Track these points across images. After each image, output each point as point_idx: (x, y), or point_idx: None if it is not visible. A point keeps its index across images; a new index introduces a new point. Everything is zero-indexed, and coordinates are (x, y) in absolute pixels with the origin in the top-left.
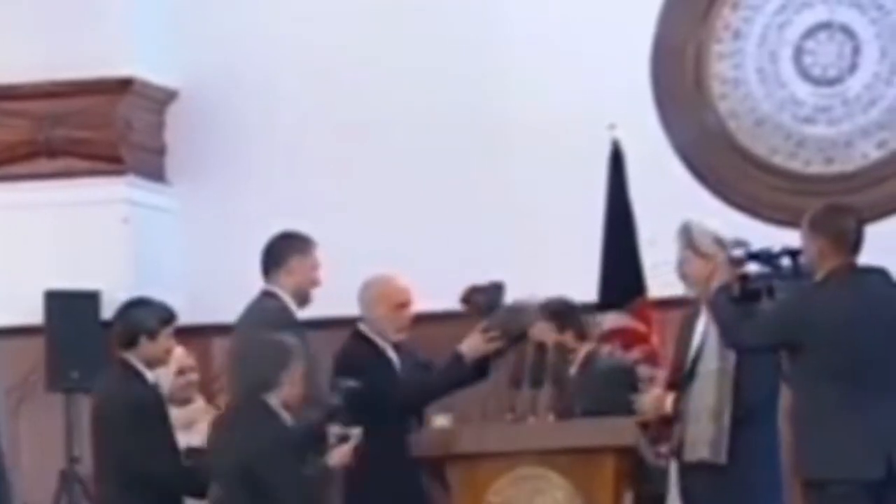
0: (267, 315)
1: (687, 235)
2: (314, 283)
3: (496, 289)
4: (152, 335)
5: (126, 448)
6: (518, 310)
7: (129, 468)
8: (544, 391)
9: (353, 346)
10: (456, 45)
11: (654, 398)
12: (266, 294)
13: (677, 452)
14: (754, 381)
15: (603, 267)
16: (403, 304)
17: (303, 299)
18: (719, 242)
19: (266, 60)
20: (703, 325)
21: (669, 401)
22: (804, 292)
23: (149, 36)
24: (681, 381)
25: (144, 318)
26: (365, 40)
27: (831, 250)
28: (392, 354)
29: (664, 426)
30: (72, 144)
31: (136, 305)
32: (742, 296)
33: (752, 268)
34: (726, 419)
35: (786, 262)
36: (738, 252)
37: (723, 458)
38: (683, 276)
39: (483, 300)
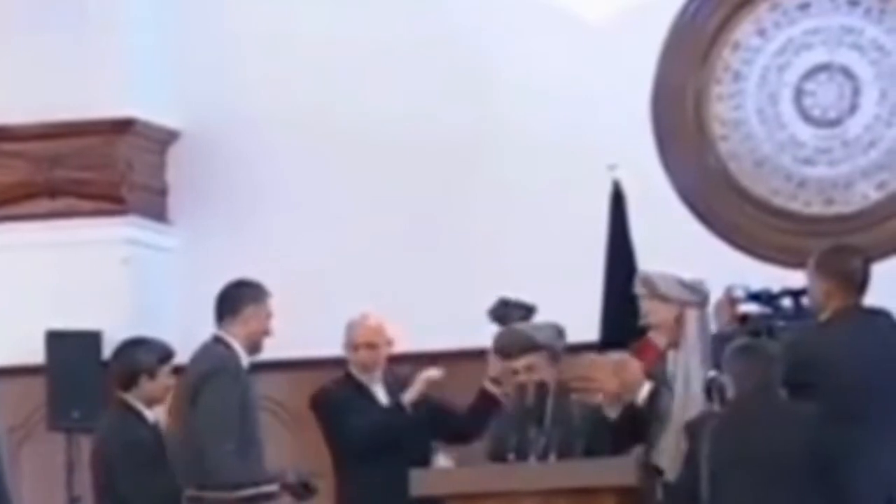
0: (216, 361)
1: (649, 285)
2: (266, 332)
3: (520, 308)
4: (152, 374)
5: (126, 488)
6: (514, 332)
7: None
8: (546, 431)
9: (334, 381)
10: (454, 87)
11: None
12: (217, 340)
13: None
14: None
15: (604, 306)
16: (361, 345)
17: (254, 348)
18: (683, 285)
19: (266, 101)
20: (674, 365)
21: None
22: (811, 332)
23: (149, 76)
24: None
25: (143, 357)
26: (364, 81)
27: (838, 291)
28: (377, 392)
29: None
30: (73, 185)
31: (134, 345)
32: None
33: (753, 308)
34: None
35: (787, 302)
36: (738, 292)
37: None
38: (651, 326)
39: (504, 315)
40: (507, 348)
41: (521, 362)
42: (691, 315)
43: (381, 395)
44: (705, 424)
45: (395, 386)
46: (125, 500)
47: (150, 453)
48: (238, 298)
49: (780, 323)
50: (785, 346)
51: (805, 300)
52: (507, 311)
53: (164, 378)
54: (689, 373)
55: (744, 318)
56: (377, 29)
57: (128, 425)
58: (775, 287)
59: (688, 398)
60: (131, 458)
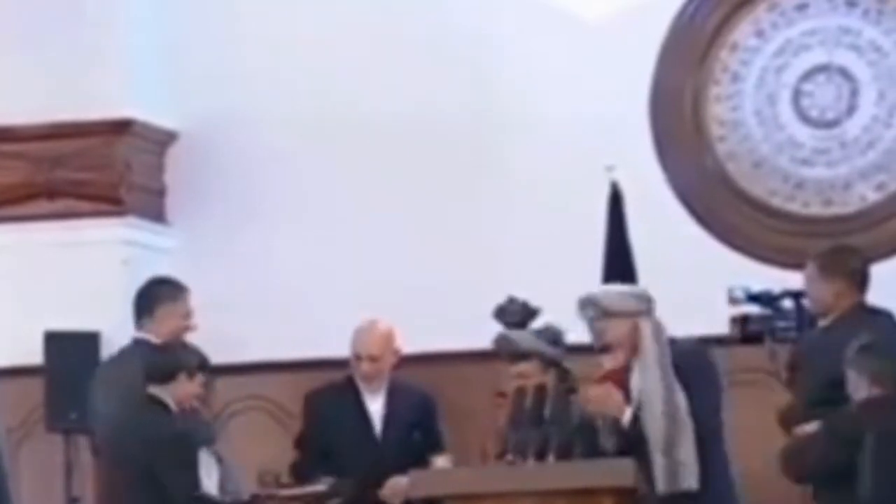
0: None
1: (596, 306)
2: (186, 330)
3: (522, 308)
4: (191, 374)
5: (173, 482)
6: (504, 339)
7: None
8: (544, 432)
9: (333, 384)
10: (453, 88)
11: (619, 402)
12: (137, 342)
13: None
14: (702, 412)
15: None
16: (363, 357)
17: None
18: (630, 296)
19: (265, 101)
20: (638, 381)
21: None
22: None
23: (148, 77)
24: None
25: (187, 356)
26: (363, 82)
27: (847, 290)
28: (372, 403)
29: None
30: (71, 186)
31: (173, 346)
32: (743, 338)
33: (753, 309)
34: (683, 452)
35: (788, 304)
36: (737, 293)
37: (678, 487)
38: (607, 347)
39: (507, 314)
40: (501, 355)
41: (513, 369)
42: (644, 325)
43: (377, 407)
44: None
45: (398, 396)
46: (167, 494)
47: (194, 446)
48: (153, 298)
49: (781, 324)
50: (811, 373)
51: (807, 302)
52: (506, 313)
53: (199, 383)
54: (651, 392)
55: (744, 319)
56: (377, 30)
57: (167, 419)
58: (776, 288)
59: (651, 421)
60: (178, 451)
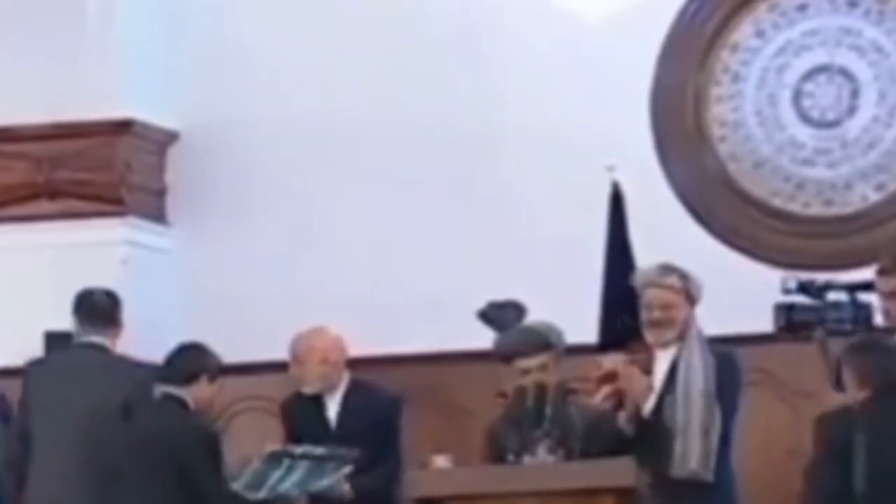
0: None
1: (684, 281)
2: None
3: (514, 308)
4: (212, 378)
5: (208, 482)
6: (528, 331)
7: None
8: (544, 431)
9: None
10: (453, 89)
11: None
12: (94, 346)
13: (662, 471)
14: (727, 405)
15: (602, 308)
16: (294, 359)
17: None
18: (699, 284)
19: (266, 102)
20: (666, 365)
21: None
22: None
23: (148, 77)
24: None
25: (209, 359)
26: (366, 81)
27: None
28: (328, 405)
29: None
30: (72, 186)
31: (197, 348)
32: (788, 326)
33: (801, 300)
34: (714, 438)
35: (839, 296)
36: (790, 283)
37: (710, 476)
38: (666, 320)
39: (498, 317)
40: (522, 347)
41: (534, 361)
42: (693, 312)
43: (333, 410)
44: (847, 416)
45: (355, 397)
46: (201, 492)
47: (221, 446)
48: (113, 308)
49: (833, 315)
50: None
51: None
52: (502, 313)
53: (217, 386)
54: (692, 370)
55: (790, 308)
56: (377, 31)
57: (195, 419)
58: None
59: (689, 399)
60: (213, 452)
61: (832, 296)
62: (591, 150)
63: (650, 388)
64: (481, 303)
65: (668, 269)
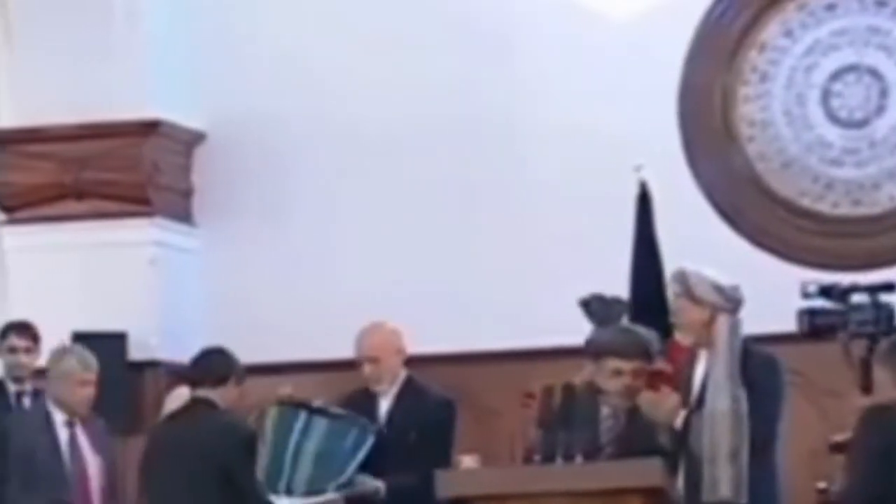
0: None
1: (683, 283)
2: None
3: (619, 305)
4: (239, 380)
5: (247, 481)
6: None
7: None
8: (573, 432)
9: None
10: (480, 87)
11: (670, 408)
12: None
13: (693, 493)
14: (760, 419)
15: (631, 307)
16: (363, 360)
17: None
18: (717, 290)
19: (292, 101)
20: (704, 368)
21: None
22: None
23: (175, 78)
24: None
25: (235, 362)
26: (392, 81)
27: None
28: (381, 404)
29: None
30: (99, 186)
31: (222, 352)
32: (811, 331)
33: (824, 304)
34: (743, 459)
35: (861, 298)
36: (810, 288)
37: (744, 499)
38: (679, 325)
39: (599, 311)
40: (621, 347)
41: (629, 365)
42: (722, 321)
43: (386, 408)
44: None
45: (409, 397)
46: (245, 493)
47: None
48: None
49: (856, 318)
50: None
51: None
52: (606, 307)
53: (241, 389)
54: (717, 387)
55: (812, 312)
56: (402, 28)
57: (236, 419)
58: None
59: (714, 415)
60: (251, 451)
61: (854, 298)
62: (618, 149)
63: (678, 406)
64: (509, 303)
65: (673, 275)
